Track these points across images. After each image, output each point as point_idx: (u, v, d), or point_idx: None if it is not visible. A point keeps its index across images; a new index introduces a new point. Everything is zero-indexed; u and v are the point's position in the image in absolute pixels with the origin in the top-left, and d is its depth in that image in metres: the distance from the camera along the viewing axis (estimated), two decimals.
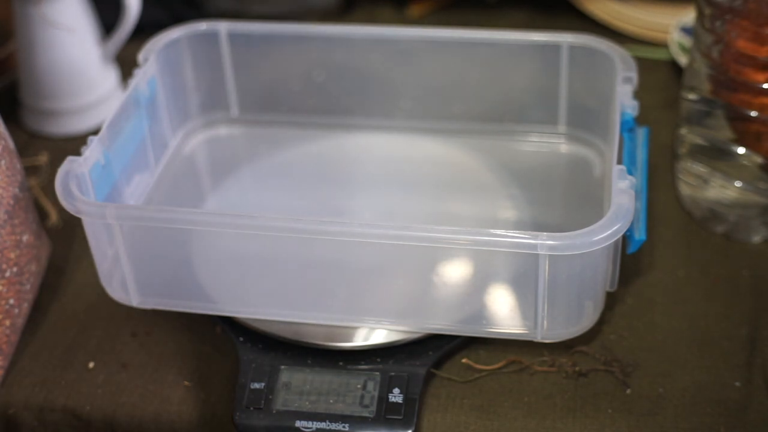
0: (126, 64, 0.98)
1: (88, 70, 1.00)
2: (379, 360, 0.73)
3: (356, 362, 0.73)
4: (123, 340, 0.78)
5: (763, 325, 0.76)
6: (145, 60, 0.86)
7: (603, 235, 0.66)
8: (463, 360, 0.74)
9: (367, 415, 0.69)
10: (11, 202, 0.75)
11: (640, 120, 0.80)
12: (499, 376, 0.74)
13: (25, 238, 0.76)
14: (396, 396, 0.70)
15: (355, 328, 0.74)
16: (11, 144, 0.77)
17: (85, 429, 0.74)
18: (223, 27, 0.91)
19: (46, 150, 0.98)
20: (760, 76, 0.77)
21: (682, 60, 0.99)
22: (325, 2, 1.16)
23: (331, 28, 0.92)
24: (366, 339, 0.73)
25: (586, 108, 0.89)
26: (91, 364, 0.77)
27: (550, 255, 0.67)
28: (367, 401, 0.70)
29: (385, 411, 0.69)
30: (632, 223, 0.70)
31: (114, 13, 1.00)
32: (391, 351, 0.73)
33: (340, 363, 0.73)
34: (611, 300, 0.77)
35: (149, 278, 0.76)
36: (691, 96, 0.84)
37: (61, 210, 0.75)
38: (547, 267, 0.68)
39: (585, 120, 0.90)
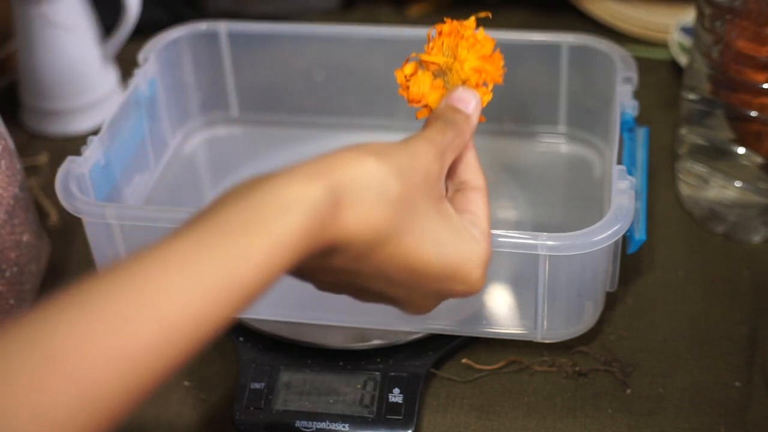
0: (126, 64, 0.98)
1: (88, 70, 1.00)
2: (379, 360, 0.73)
3: (356, 362, 0.73)
4: None
5: (763, 324, 0.76)
6: (145, 60, 0.86)
7: (603, 235, 0.66)
8: (463, 360, 0.74)
9: (367, 415, 0.69)
10: (11, 202, 0.74)
11: (640, 120, 0.80)
12: (499, 376, 0.74)
13: (25, 238, 0.76)
14: (396, 396, 0.70)
15: (355, 328, 0.74)
16: (11, 144, 0.77)
17: None
18: (223, 27, 0.91)
19: (46, 150, 0.98)
20: (760, 76, 0.77)
21: (682, 60, 0.99)
22: (325, 2, 1.16)
23: (331, 28, 0.92)
24: (366, 339, 0.73)
25: (586, 108, 0.89)
26: None
27: (550, 255, 0.67)
28: (367, 401, 0.70)
29: (385, 411, 0.69)
30: (632, 224, 0.70)
31: (114, 13, 1.00)
32: (391, 351, 0.73)
33: (340, 363, 0.73)
34: (611, 300, 0.77)
35: None
36: (691, 96, 0.84)
37: (61, 210, 0.75)
38: (547, 267, 0.68)
39: (585, 120, 0.90)
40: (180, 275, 0.44)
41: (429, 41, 0.65)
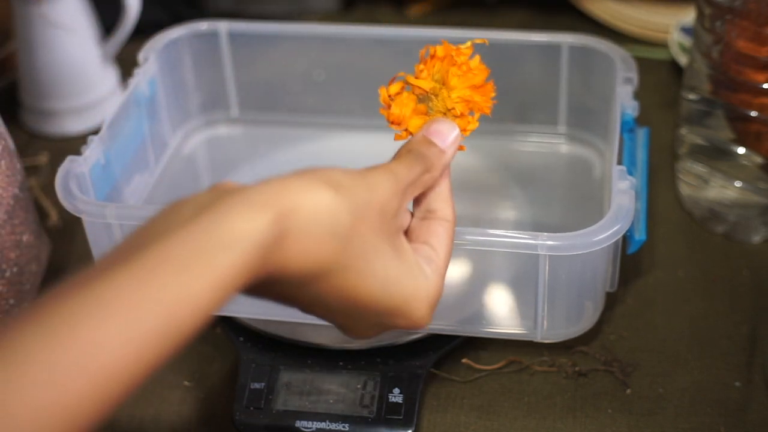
0: (126, 64, 0.98)
1: (88, 70, 1.00)
2: (379, 360, 0.73)
3: (356, 362, 0.73)
4: None
5: (763, 324, 0.76)
6: (145, 60, 0.86)
7: (603, 235, 0.66)
8: (463, 360, 0.74)
9: (367, 415, 0.69)
10: (11, 202, 0.74)
11: (640, 120, 0.80)
12: (499, 376, 0.74)
13: (25, 238, 0.76)
14: (396, 396, 0.70)
15: None
16: (11, 144, 0.77)
17: None
18: (223, 27, 0.91)
19: (46, 150, 0.98)
20: (760, 76, 0.77)
21: (682, 60, 0.99)
22: (325, 2, 1.16)
23: (331, 28, 0.92)
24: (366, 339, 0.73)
25: (586, 108, 0.89)
26: None
27: (550, 255, 0.67)
28: (367, 401, 0.70)
29: (385, 411, 0.69)
30: (632, 224, 0.70)
31: (114, 13, 1.00)
32: (391, 351, 0.73)
33: (340, 363, 0.73)
34: (611, 300, 0.77)
35: None
36: (691, 96, 0.84)
37: (61, 210, 0.75)
38: (547, 267, 0.68)
39: (585, 120, 0.90)
40: (116, 319, 0.42)
41: (420, 62, 0.62)
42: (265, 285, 0.49)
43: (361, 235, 0.51)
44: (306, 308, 0.53)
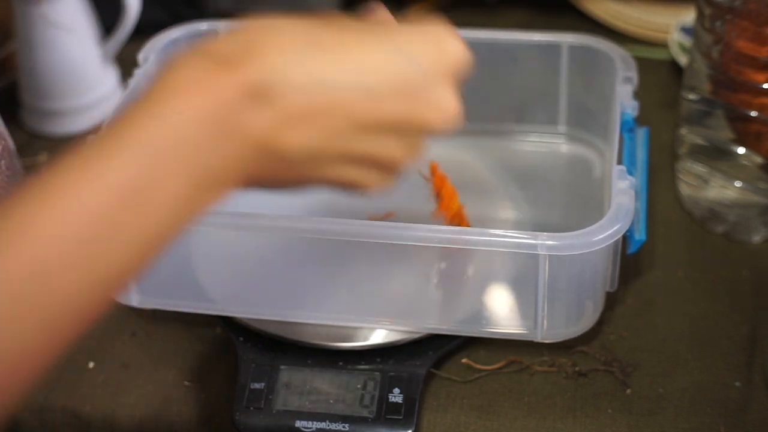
0: (126, 64, 0.98)
1: (88, 70, 1.00)
2: (379, 360, 0.73)
3: (356, 362, 0.73)
4: (123, 340, 0.78)
5: (763, 324, 0.76)
6: (145, 60, 0.86)
7: (603, 235, 0.66)
8: (463, 360, 0.74)
9: (367, 415, 0.69)
10: None
11: (640, 120, 0.80)
12: (499, 376, 0.74)
13: None
14: (396, 396, 0.70)
15: (355, 328, 0.74)
16: (11, 144, 0.77)
17: (85, 429, 0.74)
18: (223, 27, 0.91)
19: (46, 150, 0.98)
20: (760, 76, 0.77)
21: (682, 60, 0.99)
22: (324, 3, 1.16)
23: None
24: (366, 339, 0.73)
25: (586, 108, 0.89)
26: (91, 364, 0.77)
27: (550, 255, 0.67)
28: (367, 401, 0.70)
29: (385, 411, 0.69)
30: (632, 223, 0.70)
31: (114, 13, 1.00)
32: (391, 351, 0.73)
33: (340, 363, 0.73)
34: (611, 300, 0.77)
35: (149, 278, 0.76)
36: (691, 96, 0.84)
37: None
38: (547, 267, 0.68)
39: (585, 120, 0.90)
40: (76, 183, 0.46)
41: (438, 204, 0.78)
42: (263, 104, 0.49)
43: (316, 25, 0.52)
44: (344, 116, 0.52)
